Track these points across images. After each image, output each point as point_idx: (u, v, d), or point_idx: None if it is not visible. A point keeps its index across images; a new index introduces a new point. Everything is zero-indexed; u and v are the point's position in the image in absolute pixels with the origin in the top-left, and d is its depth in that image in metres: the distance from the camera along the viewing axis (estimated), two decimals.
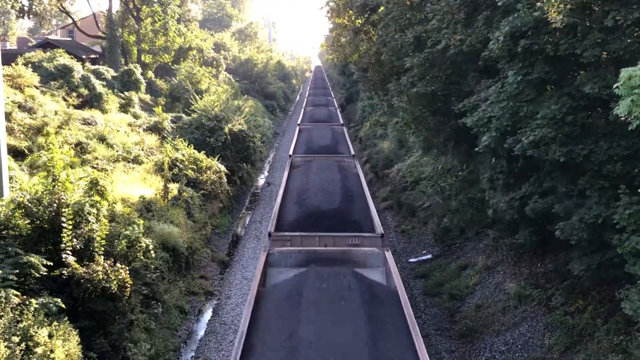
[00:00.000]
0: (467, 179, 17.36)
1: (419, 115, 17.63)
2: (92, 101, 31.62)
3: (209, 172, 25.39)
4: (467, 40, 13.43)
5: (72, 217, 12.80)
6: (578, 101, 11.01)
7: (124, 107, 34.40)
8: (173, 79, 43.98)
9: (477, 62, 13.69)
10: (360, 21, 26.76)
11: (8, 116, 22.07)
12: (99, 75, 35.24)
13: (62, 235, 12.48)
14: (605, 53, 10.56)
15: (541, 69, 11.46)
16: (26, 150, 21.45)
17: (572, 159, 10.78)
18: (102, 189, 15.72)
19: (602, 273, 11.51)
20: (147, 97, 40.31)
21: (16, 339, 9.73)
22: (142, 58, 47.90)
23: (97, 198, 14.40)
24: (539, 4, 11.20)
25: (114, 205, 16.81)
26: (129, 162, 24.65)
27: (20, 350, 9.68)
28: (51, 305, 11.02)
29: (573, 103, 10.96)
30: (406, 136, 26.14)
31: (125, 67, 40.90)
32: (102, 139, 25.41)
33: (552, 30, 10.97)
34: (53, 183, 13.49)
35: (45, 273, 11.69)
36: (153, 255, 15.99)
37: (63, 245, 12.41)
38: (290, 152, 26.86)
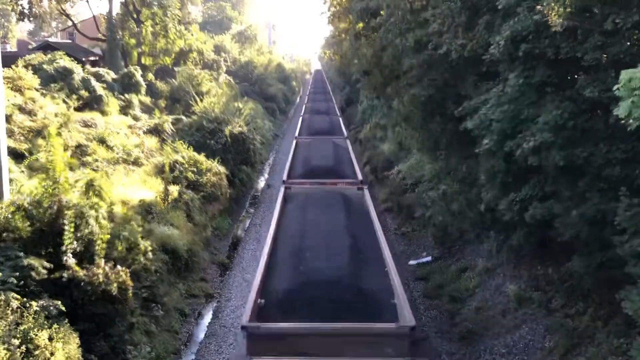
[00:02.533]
0: (467, 181, 17.35)
1: (414, 119, 17.66)
2: (93, 103, 31.57)
3: (209, 174, 25.38)
4: (468, 46, 13.41)
5: (72, 219, 12.79)
6: (579, 105, 11.00)
7: (124, 109, 34.38)
8: (173, 81, 43.97)
9: (479, 66, 13.66)
10: (361, 25, 26.72)
11: (8, 118, 22.05)
12: (99, 77, 35.20)
13: (62, 237, 12.44)
14: (605, 56, 10.55)
15: (542, 72, 11.45)
16: (26, 153, 21.46)
17: (572, 162, 10.77)
18: (99, 189, 15.68)
19: (602, 273, 11.50)
20: (147, 100, 40.27)
21: (16, 342, 9.71)
22: (142, 60, 47.85)
23: (95, 199, 14.39)
24: (539, 7, 11.20)
25: (113, 207, 16.80)
26: (129, 164, 24.66)
27: (21, 352, 9.67)
28: (51, 307, 11.01)
29: (575, 108, 10.95)
30: (406, 140, 26.20)
31: (126, 70, 40.87)
32: (102, 141, 25.40)
33: (552, 34, 10.96)
34: (53, 185, 13.46)
35: (46, 276, 11.67)
36: (152, 257, 15.99)
37: (63, 247, 12.37)
38: (296, 134, 35.35)
